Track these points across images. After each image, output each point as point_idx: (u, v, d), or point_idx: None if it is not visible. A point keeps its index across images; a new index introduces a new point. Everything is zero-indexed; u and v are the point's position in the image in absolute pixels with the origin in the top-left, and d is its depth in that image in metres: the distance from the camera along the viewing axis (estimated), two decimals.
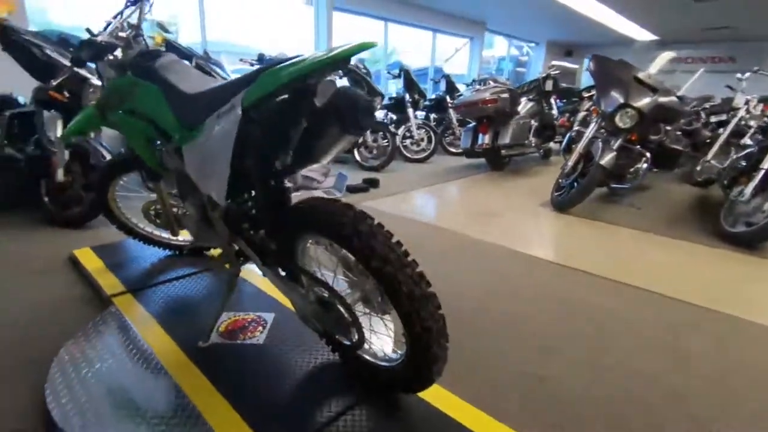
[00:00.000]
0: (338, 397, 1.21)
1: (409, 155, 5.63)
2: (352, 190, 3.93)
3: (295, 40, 7.12)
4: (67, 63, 2.65)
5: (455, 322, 1.14)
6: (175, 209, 1.82)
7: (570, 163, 3.49)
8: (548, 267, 2.38)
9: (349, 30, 7.81)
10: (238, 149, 1.00)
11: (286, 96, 0.99)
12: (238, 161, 1.05)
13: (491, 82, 5.10)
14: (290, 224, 1.16)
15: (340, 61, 0.88)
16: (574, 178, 3.46)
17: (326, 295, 1.12)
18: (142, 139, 1.38)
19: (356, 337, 1.09)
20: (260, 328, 1.52)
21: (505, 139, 4.74)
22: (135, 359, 1.35)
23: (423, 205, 3.75)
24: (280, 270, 1.24)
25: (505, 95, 4.64)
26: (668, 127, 3.93)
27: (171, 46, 3.20)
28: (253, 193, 1.27)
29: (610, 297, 2.03)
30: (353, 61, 5.08)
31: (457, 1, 7.88)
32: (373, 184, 4.14)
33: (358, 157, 5.01)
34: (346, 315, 1.07)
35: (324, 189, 3.97)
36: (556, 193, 3.59)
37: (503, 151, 4.86)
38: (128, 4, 1.49)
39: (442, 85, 6.53)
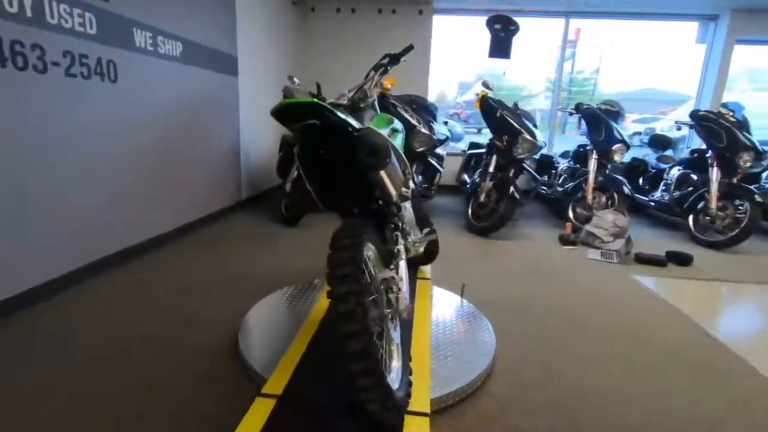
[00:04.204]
0: None
1: None
2: (643, 260, 3.20)
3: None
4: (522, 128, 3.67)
5: None
6: None
7: None
8: None
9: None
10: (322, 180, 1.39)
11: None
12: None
13: None
14: None
15: (277, 116, 1.12)
16: None
17: None
18: None
19: None
20: None
21: None
22: (298, 313, 2.00)
23: (736, 310, 2.57)
24: None
25: None
26: None
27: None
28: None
29: None
30: (720, 108, 3.99)
31: None
32: (680, 260, 3.18)
33: (691, 225, 3.87)
34: None
35: (604, 249, 3.54)
36: None
37: None
38: (366, 78, 2.15)
39: None
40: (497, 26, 5.52)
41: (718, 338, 2.05)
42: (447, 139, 4.38)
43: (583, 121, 4.10)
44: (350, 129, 1.22)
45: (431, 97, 5.79)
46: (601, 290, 2.63)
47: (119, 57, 2.45)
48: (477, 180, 3.98)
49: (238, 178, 4.19)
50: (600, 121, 3.90)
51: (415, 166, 4.04)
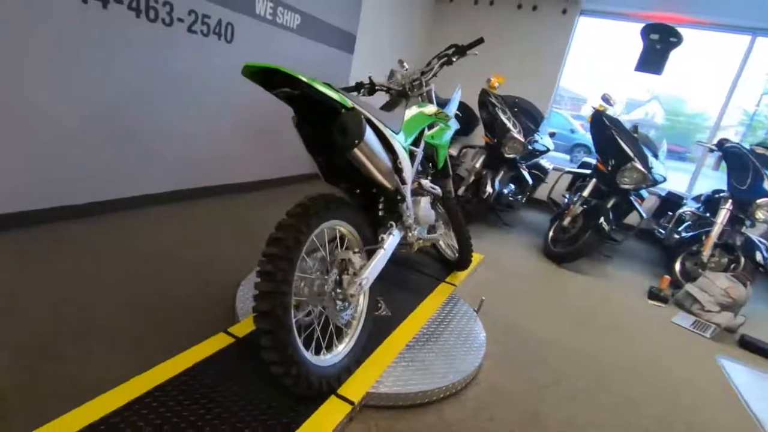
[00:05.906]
0: None
1: None
2: (748, 345, 2.53)
3: None
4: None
5: None
6: None
7: None
8: None
9: None
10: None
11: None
12: None
13: None
14: None
15: (252, 79, 1.14)
16: None
17: None
18: None
19: None
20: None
21: None
22: None
23: None
24: None
25: None
26: None
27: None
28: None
29: None
30: None
31: None
32: None
33: None
34: None
35: (702, 319, 2.97)
36: None
37: None
38: (427, 66, 2.06)
39: None
40: (654, 36, 4.76)
41: None
42: (547, 150, 3.99)
43: (723, 163, 3.33)
44: (336, 105, 1.22)
45: (586, 112, 5.24)
46: (666, 364, 2.16)
47: (238, 21, 2.81)
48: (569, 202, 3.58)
49: None
50: (746, 165, 3.12)
51: (502, 173, 3.79)
